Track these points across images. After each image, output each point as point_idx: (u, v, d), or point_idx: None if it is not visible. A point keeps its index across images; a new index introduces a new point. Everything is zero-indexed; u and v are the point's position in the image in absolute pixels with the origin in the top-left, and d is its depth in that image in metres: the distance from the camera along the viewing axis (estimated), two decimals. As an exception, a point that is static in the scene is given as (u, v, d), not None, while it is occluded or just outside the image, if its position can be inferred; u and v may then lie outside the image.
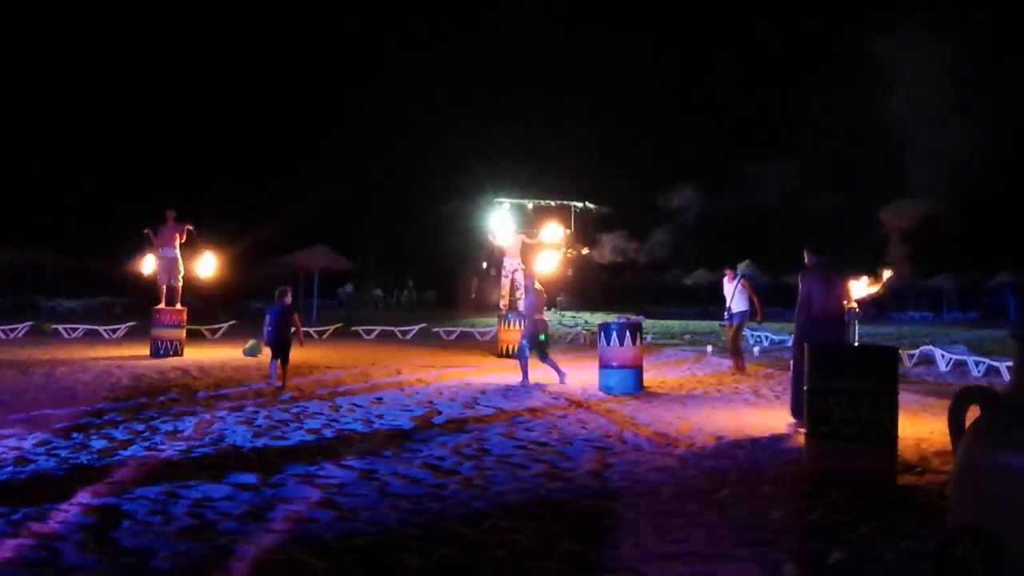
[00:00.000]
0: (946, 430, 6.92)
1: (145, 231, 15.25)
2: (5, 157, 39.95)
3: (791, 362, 7.81)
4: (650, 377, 11.06)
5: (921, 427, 7.21)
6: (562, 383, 10.50)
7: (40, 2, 47.05)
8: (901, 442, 5.42)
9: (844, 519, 4.28)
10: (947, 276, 40.84)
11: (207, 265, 15.99)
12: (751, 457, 5.95)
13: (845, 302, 7.37)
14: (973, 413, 2.94)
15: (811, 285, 7.17)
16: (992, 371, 12.15)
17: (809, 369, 5.23)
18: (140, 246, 15.98)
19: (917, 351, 14.66)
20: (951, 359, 13.43)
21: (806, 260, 7.42)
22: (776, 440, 6.61)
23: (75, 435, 6.56)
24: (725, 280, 12.86)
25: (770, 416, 7.88)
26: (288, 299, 10.76)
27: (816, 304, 7.11)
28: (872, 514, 4.36)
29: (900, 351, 6.92)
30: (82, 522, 4.13)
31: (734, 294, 12.55)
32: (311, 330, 22.44)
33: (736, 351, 12.79)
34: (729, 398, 9.32)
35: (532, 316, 11.02)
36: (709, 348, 17.20)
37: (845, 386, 4.96)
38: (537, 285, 11.32)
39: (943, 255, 37.28)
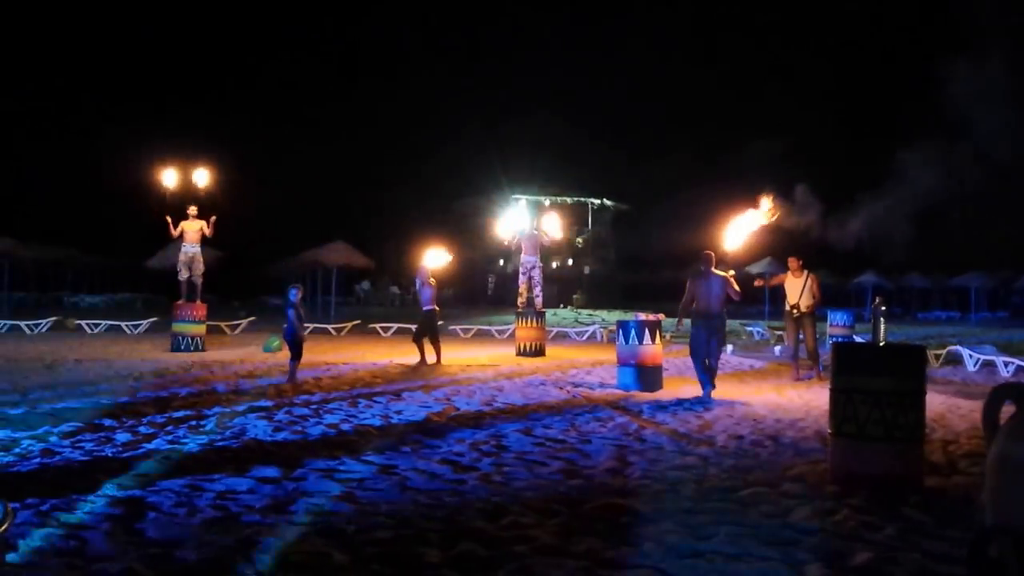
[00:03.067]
0: (974, 432, 6.87)
1: (167, 216, 15.32)
2: (31, 155, 40.44)
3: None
4: (669, 376, 11.01)
5: (948, 428, 7.13)
6: (438, 362, 12.75)
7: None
8: (928, 443, 5.37)
9: (869, 520, 4.23)
10: (975, 275, 40.20)
11: (201, 176, 15.81)
12: (774, 457, 5.89)
13: (724, 300, 9.14)
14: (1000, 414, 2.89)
15: (694, 286, 9.16)
16: (1022, 371, 11.99)
17: (834, 368, 5.18)
18: (163, 236, 16.09)
19: (944, 351, 14.46)
20: (979, 359, 13.26)
21: (701, 267, 9.20)
22: (799, 440, 6.55)
23: (99, 428, 6.64)
24: (789, 274, 11.54)
25: (793, 416, 7.83)
26: (293, 297, 10.74)
27: (699, 302, 9.12)
28: (898, 515, 4.31)
29: (927, 351, 6.89)
30: (109, 513, 4.18)
31: (803, 290, 11.34)
32: (329, 327, 22.57)
33: (814, 353, 11.35)
34: (751, 397, 9.25)
35: (424, 307, 13.28)
36: (730, 347, 17.10)
37: (871, 386, 4.89)
38: (432, 281, 13.45)
39: (971, 253, 36.84)
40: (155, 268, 31.19)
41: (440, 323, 14.24)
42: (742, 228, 9.94)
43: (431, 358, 12.90)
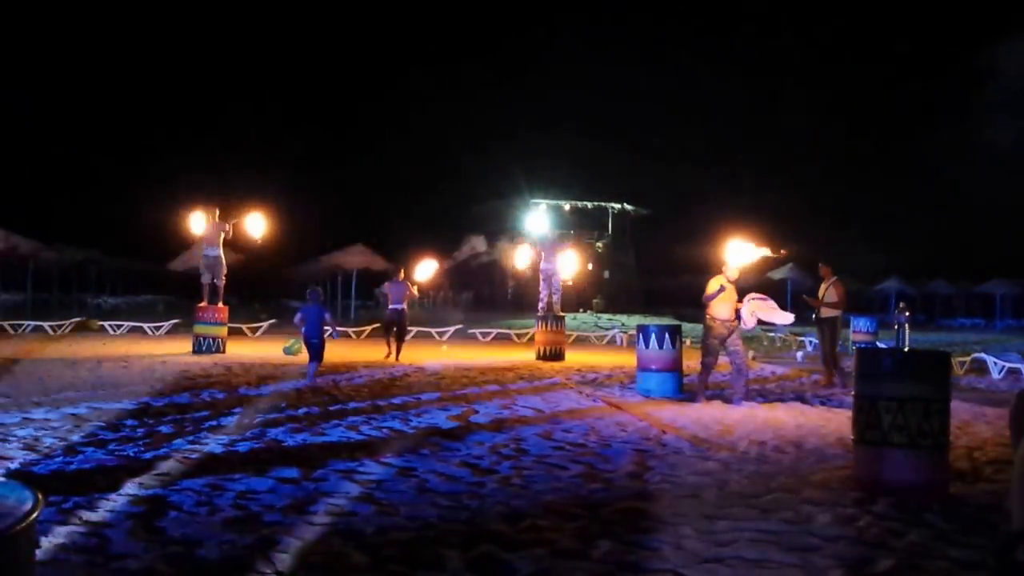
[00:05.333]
0: (999, 439, 6.77)
1: (189, 220, 15.46)
2: (56, 158, 40.97)
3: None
4: (690, 381, 10.93)
5: (973, 436, 7.03)
6: (396, 359, 14.01)
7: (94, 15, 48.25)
8: (952, 451, 5.28)
9: (893, 526, 4.17)
10: (1000, 281, 39.64)
11: (256, 225, 16.06)
12: (796, 462, 5.83)
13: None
14: None
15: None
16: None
17: (858, 374, 5.13)
18: (186, 238, 16.25)
19: (969, 358, 14.28)
20: (1004, 367, 13.08)
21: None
22: (822, 446, 6.48)
23: (121, 428, 6.70)
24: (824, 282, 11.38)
25: (815, 422, 7.75)
26: (319, 298, 10.82)
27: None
28: (922, 522, 4.24)
29: (951, 358, 6.80)
30: (130, 511, 4.20)
31: (823, 296, 11.22)
32: (349, 330, 22.65)
33: (833, 360, 11.12)
34: (772, 404, 9.17)
35: (391, 304, 14.51)
36: (751, 353, 16.97)
37: (895, 392, 4.83)
38: (406, 280, 14.73)
39: (996, 259, 36.39)
40: (177, 270, 31.50)
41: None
42: (743, 253, 9.55)
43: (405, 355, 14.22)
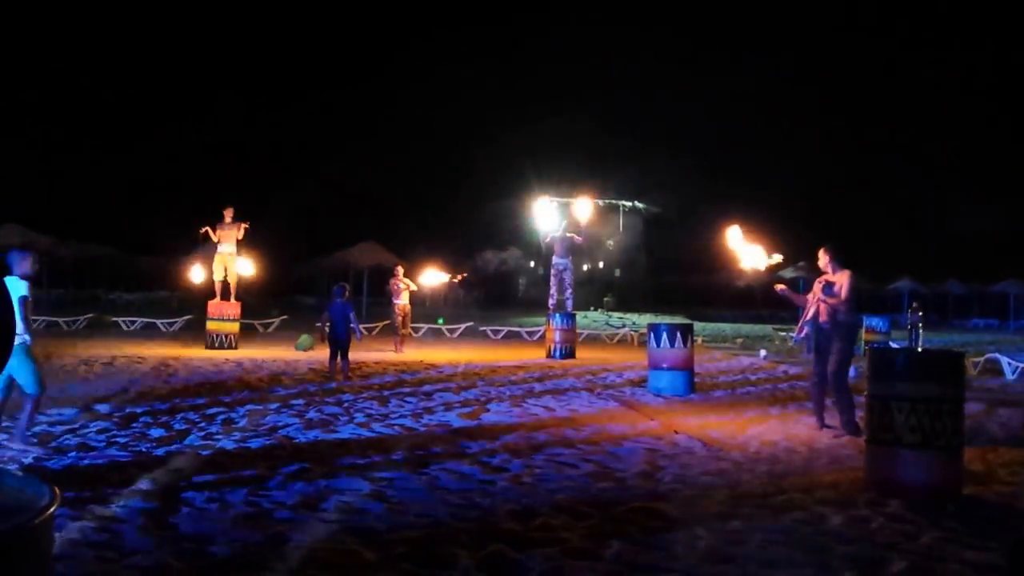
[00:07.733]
0: (1014, 440, 6.70)
1: (204, 229, 15.54)
2: (72, 154, 41.26)
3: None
4: (701, 380, 10.91)
5: (987, 436, 6.96)
6: (398, 351, 15.28)
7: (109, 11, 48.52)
8: (966, 452, 5.25)
9: (905, 528, 4.14)
10: (1014, 281, 39.24)
11: (245, 267, 16.92)
12: (808, 463, 5.81)
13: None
14: None
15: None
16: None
17: (870, 375, 5.09)
18: (196, 243, 16.39)
19: (982, 359, 14.18)
20: (1018, 367, 12.98)
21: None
22: (834, 446, 6.45)
23: (134, 424, 6.74)
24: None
25: (827, 422, 7.69)
26: (345, 296, 10.91)
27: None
28: (935, 524, 4.21)
29: (965, 358, 6.73)
30: (142, 507, 4.23)
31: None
32: (361, 326, 22.72)
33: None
34: (784, 404, 9.12)
35: (392, 301, 16.14)
36: (763, 352, 16.90)
37: (908, 392, 4.80)
38: (399, 282, 15.99)
39: (1009, 259, 36.08)
40: (191, 266, 31.59)
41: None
42: (740, 251, 8.34)
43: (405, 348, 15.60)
